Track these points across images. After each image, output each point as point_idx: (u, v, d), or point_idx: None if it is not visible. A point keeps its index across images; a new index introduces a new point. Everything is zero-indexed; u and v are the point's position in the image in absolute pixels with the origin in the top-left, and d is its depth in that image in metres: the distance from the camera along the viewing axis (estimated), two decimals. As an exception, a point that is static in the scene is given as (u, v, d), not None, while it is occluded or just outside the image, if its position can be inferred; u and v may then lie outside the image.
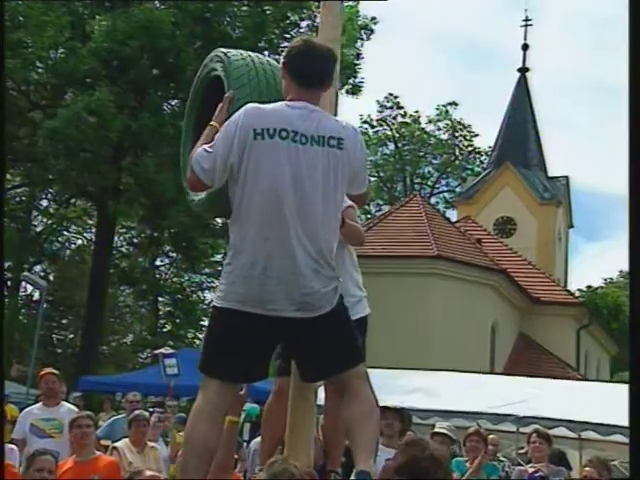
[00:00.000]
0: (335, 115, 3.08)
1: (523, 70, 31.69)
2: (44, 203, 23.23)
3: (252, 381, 2.92)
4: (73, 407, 6.60)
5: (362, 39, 19.18)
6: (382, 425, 5.07)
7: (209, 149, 2.73)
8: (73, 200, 22.96)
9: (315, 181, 2.69)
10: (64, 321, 27.29)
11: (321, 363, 2.78)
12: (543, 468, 6.09)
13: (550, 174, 30.33)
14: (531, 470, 6.14)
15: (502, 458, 7.79)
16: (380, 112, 38.63)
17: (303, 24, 19.39)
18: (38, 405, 6.49)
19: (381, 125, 39.02)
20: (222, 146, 2.71)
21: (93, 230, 23.06)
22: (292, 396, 2.96)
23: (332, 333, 2.74)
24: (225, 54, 3.04)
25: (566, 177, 30.21)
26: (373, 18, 19.56)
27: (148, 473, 3.00)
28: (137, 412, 6.61)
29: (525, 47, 31.81)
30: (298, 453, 2.85)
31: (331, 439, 3.42)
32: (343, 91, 18.61)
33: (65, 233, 26.03)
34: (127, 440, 6.21)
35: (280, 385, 3.28)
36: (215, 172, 2.72)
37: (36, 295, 21.25)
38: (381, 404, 3.22)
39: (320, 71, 2.81)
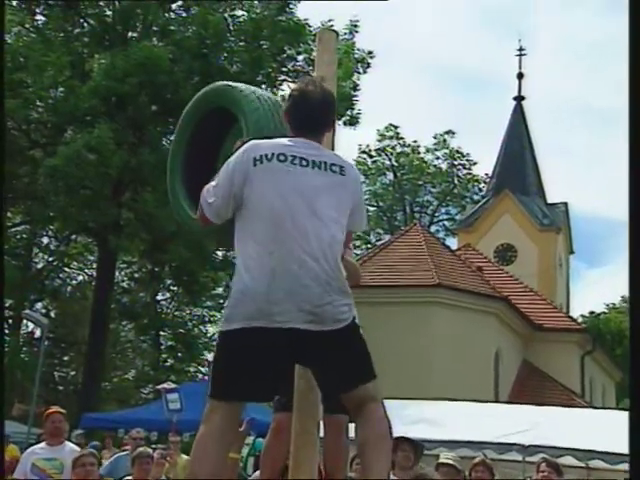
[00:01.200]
0: (332, 148, 3.12)
1: (519, 98, 32.02)
2: (45, 240, 23.31)
3: (263, 399, 2.88)
4: (76, 447, 6.55)
5: (359, 72, 19.39)
6: (399, 456, 5.04)
7: (214, 184, 2.81)
8: (74, 237, 23.05)
9: (317, 199, 2.71)
10: (66, 358, 27.18)
11: (334, 379, 2.74)
12: None
13: (549, 200, 30.44)
14: None
15: None
16: (380, 142, 38.96)
17: (300, 58, 19.64)
18: (41, 445, 6.44)
19: (379, 155, 39.30)
20: (224, 178, 2.76)
21: (94, 266, 23.10)
22: (295, 431, 2.92)
23: (345, 349, 2.71)
24: (241, 92, 3.11)
25: (565, 203, 30.30)
26: (370, 52, 19.81)
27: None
28: (140, 449, 6.56)
29: (520, 76, 32.19)
30: None
31: (331, 473, 3.40)
32: (341, 122, 18.78)
33: (66, 270, 26.05)
34: (130, 478, 6.18)
35: (278, 421, 3.24)
36: (219, 206, 2.77)
37: (37, 332, 21.17)
38: (395, 435, 3.22)
39: (316, 121, 2.86)
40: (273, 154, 2.73)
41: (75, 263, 25.73)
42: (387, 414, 2.82)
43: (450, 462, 7.11)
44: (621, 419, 10.99)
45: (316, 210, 2.70)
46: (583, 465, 9.85)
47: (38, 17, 19.45)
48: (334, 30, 3.59)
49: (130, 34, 18.87)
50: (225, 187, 2.75)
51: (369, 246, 35.59)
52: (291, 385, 2.91)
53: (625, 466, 9.02)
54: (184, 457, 7.65)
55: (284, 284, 2.61)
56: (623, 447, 8.74)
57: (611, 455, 9.06)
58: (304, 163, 2.74)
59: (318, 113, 2.86)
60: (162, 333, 26.06)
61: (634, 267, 2.01)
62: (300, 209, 2.69)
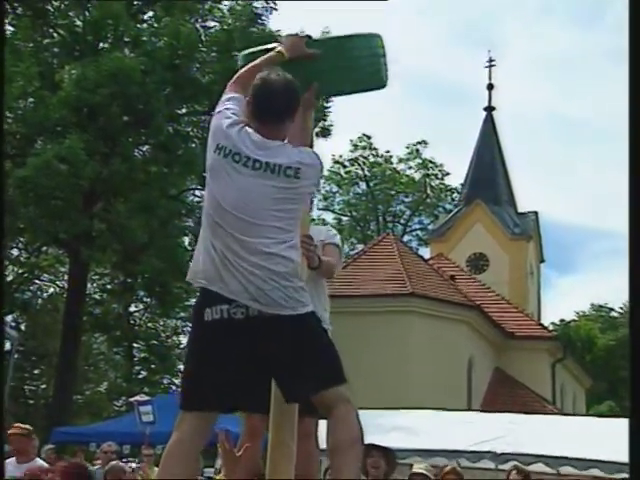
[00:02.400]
0: (311, 143, 3.13)
1: (489, 109, 32.39)
2: (15, 252, 23.00)
3: (229, 407, 2.85)
4: (44, 464, 6.48)
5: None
6: (368, 464, 5.01)
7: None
8: (45, 248, 22.77)
9: (265, 206, 2.74)
10: (36, 371, 26.78)
11: (301, 377, 2.72)
12: None
13: (520, 210, 30.80)
14: None
15: None
16: (352, 152, 39.13)
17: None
18: (11, 460, 6.37)
19: (352, 165, 39.47)
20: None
21: (65, 278, 22.84)
22: (271, 443, 2.92)
23: (304, 342, 2.71)
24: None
25: (535, 212, 30.68)
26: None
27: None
28: (113, 463, 6.55)
29: (490, 87, 32.55)
30: None
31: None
32: (313, 133, 18.84)
33: (37, 282, 25.73)
34: None
35: (252, 425, 3.21)
36: None
37: (7, 345, 20.86)
38: (366, 442, 3.22)
39: (274, 107, 2.85)
40: (231, 151, 2.79)
41: (46, 275, 25.42)
42: (358, 418, 2.82)
43: (423, 472, 7.15)
44: (591, 425, 11.20)
45: (261, 217, 2.73)
46: (554, 472, 9.95)
47: (6, 27, 19.26)
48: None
49: (101, 45, 18.76)
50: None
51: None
52: (256, 398, 2.89)
53: (594, 471, 9.16)
54: (157, 470, 7.60)
55: (230, 266, 2.71)
56: (593, 453, 8.96)
57: (581, 461, 9.17)
58: (257, 166, 2.76)
59: (280, 100, 2.85)
60: (135, 345, 25.83)
61: (634, 277, 2.03)
62: (244, 214, 2.73)
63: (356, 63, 3.14)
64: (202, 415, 2.72)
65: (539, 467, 9.29)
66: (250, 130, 2.86)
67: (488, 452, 9.49)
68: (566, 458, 9.28)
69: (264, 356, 2.71)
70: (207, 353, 2.72)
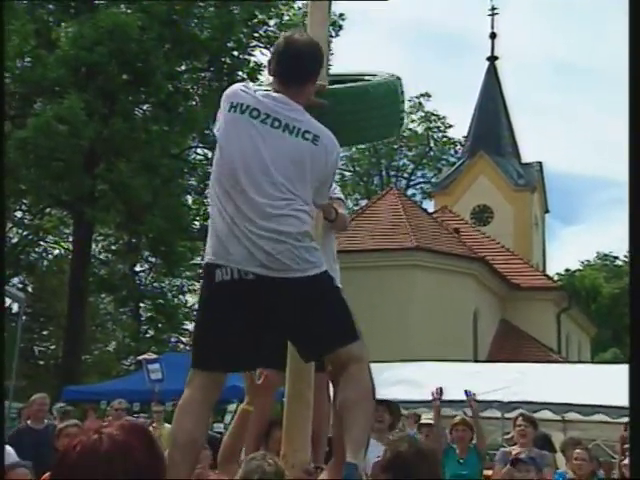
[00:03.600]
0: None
1: (492, 59, 31.92)
2: (18, 214, 23.00)
3: (239, 368, 2.87)
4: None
5: (331, 36, 19.20)
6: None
7: None
8: (48, 210, 22.75)
9: (277, 164, 2.67)
10: (45, 332, 27.02)
11: (312, 336, 2.71)
12: (528, 451, 6.15)
13: (523, 160, 30.61)
14: (515, 452, 6.20)
15: None
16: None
17: (271, 22, 19.38)
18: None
19: (354, 120, 39.07)
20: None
21: (70, 239, 22.87)
22: (288, 395, 2.94)
23: (314, 302, 2.67)
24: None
25: (539, 162, 30.47)
26: (341, 14, 19.62)
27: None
28: (124, 420, 6.61)
29: (493, 36, 32.05)
30: (296, 450, 2.87)
31: (315, 434, 3.41)
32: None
33: (42, 243, 25.77)
34: None
35: (266, 377, 3.17)
36: None
37: (15, 307, 21.00)
38: None
39: (295, 67, 2.80)
40: (248, 107, 2.72)
41: (50, 237, 25.45)
42: (371, 376, 2.81)
43: (431, 422, 7.28)
44: (595, 372, 11.32)
45: (272, 175, 2.65)
46: (559, 418, 10.19)
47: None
48: None
49: (97, 1, 18.45)
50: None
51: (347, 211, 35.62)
52: (268, 357, 2.88)
53: (599, 417, 9.31)
54: (167, 426, 7.71)
55: (238, 232, 2.65)
56: (597, 399, 9.08)
57: (585, 407, 9.38)
58: (276, 124, 2.71)
59: (299, 59, 2.80)
60: (142, 304, 25.99)
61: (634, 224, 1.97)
62: (256, 171, 2.65)
63: (376, 115, 3.02)
64: (213, 373, 2.75)
65: (545, 414, 9.51)
66: (270, 90, 2.81)
67: (495, 401, 9.64)
68: (571, 404, 9.54)
69: (275, 316, 2.68)
70: (218, 314, 2.70)
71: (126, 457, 1.46)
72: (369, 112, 3.00)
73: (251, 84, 2.94)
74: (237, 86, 2.85)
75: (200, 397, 2.72)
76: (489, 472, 6.72)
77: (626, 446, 2.89)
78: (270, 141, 2.69)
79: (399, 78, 3.14)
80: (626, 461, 2.87)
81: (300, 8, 18.99)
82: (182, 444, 2.67)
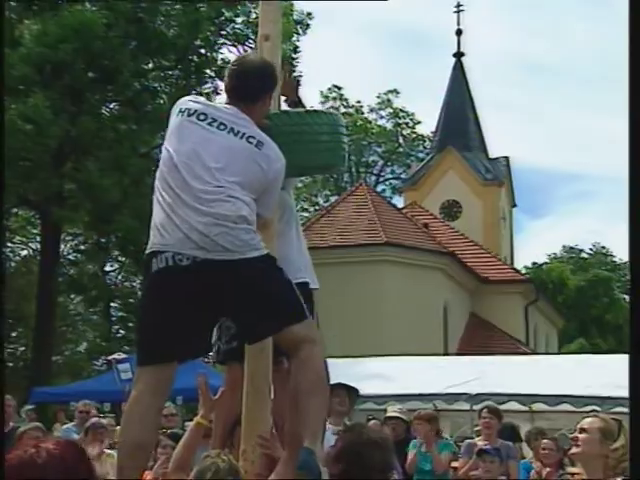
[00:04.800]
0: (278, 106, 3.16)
1: (458, 55, 32.22)
2: (-16, 215, 22.71)
3: (184, 357, 2.78)
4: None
5: (298, 34, 19.23)
6: (333, 402, 4.95)
7: None
8: (15, 210, 22.48)
9: (219, 156, 2.72)
10: (14, 334, 26.72)
11: (254, 316, 2.67)
12: (493, 443, 6.24)
13: (491, 155, 30.97)
14: (480, 444, 6.29)
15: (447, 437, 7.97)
16: (323, 103, 38.80)
17: (238, 20, 19.33)
18: None
19: (324, 116, 39.18)
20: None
21: (38, 239, 22.64)
22: (247, 391, 2.92)
23: (255, 284, 2.65)
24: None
25: (506, 157, 30.86)
26: (309, 13, 19.66)
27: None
28: (94, 420, 6.62)
29: (459, 32, 32.33)
30: (255, 446, 2.86)
31: (279, 424, 3.40)
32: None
33: (9, 244, 25.47)
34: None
35: (234, 375, 3.15)
36: None
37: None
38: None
39: (245, 86, 2.88)
40: (196, 111, 2.81)
41: (18, 237, 25.17)
42: (325, 359, 2.78)
43: (397, 415, 7.35)
44: (561, 363, 11.56)
45: (212, 165, 2.70)
46: (526, 409, 10.29)
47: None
48: None
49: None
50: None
51: (316, 208, 35.72)
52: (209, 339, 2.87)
53: (565, 406, 9.47)
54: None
55: (175, 219, 2.67)
56: (563, 389, 9.25)
57: (552, 397, 9.53)
58: (222, 127, 2.78)
59: (248, 78, 2.89)
60: (112, 304, 25.85)
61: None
62: (197, 162, 2.70)
63: (318, 138, 3.07)
64: (158, 369, 2.69)
65: (512, 405, 9.66)
66: (221, 102, 2.92)
67: (463, 394, 9.80)
68: (538, 395, 9.70)
69: (215, 301, 2.66)
70: (156, 303, 2.70)
71: (60, 469, 1.61)
72: (313, 135, 3.06)
73: (201, 98, 3.03)
74: (187, 97, 2.96)
75: (146, 399, 2.69)
76: (457, 463, 6.82)
77: (577, 435, 3.04)
78: (214, 138, 2.76)
79: (339, 114, 3.31)
80: (573, 450, 3.05)
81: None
82: (129, 449, 2.67)
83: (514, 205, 32.36)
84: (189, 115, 2.81)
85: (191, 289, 2.64)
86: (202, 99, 3.00)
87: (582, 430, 3.05)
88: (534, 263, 39.29)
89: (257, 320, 2.69)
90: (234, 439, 3.22)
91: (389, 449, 2.77)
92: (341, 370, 3.38)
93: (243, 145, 2.78)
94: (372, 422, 6.51)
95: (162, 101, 19.03)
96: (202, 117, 2.80)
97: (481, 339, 21.17)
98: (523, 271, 30.40)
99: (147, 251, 2.76)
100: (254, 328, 2.75)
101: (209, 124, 2.78)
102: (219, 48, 19.34)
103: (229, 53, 19.10)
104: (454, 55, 32.23)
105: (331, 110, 3.33)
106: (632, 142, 1.92)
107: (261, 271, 2.67)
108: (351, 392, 5.37)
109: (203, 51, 19.09)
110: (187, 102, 2.90)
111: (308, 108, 3.33)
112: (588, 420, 3.10)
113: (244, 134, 2.79)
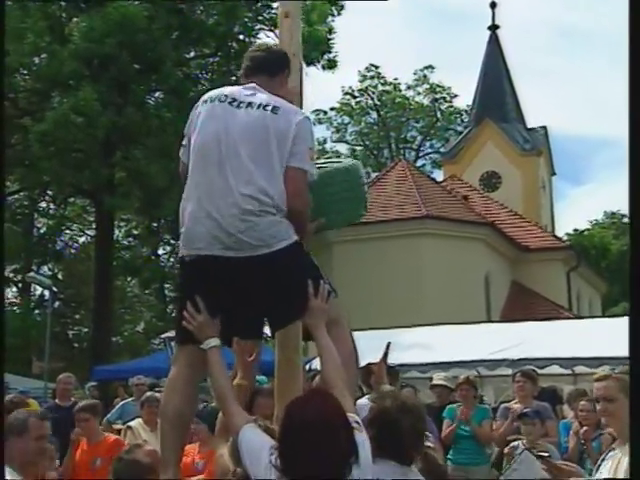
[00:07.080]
0: (301, 92, 3.26)
1: (493, 27, 32.09)
2: (43, 205, 23.66)
3: (223, 340, 2.84)
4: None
5: (333, 15, 19.52)
6: (372, 380, 5.48)
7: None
8: (71, 199, 23.39)
9: (244, 135, 2.82)
10: (77, 316, 27.83)
11: (284, 306, 2.78)
12: (527, 405, 6.39)
13: (529, 125, 30.86)
14: (516, 407, 6.49)
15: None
16: (361, 82, 39.04)
17: (275, 5, 19.69)
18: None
19: (362, 95, 39.44)
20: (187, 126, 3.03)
21: (94, 226, 23.55)
22: (278, 362, 3.02)
23: (281, 275, 2.75)
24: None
25: (544, 127, 30.75)
26: (342, -6, 19.85)
27: (147, 448, 3.34)
28: (149, 394, 6.97)
29: (493, 5, 32.22)
30: None
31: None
32: (320, 66, 19.02)
33: (67, 232, 26.46)
34: (140, 420, 6.65)
35: (241, 347, 3.25)
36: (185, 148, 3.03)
37: (47, 294, 21.80)
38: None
39: (253, 60, 3.09)
40: (217, 96, 2.96)
41: (75, 225, 26.14)
42: (352, 336, 2.93)
43: (442, 382, 7.74)
44: (603, 326, 11.56)
45: (242, 148, 2.81)
46: (569, 372, 10.34)
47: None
48: None
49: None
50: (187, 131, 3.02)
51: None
52: (244, 327, 2.94)
53: (606, 368, 9.70)
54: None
55: (203, 213, 2.79)
56: (604, 351, 9.40)
57: (593, 360, 9.32)
58: (241, 105, 2.89)
59: (256, 54, 3.11)
60: (166, 285, 26.71)
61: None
62: (225, 146, 2.82)
63: (338, 198, 3.13)
64: (195, 348, 2.81)
65: (554, 369, 9.81)
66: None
67: (504, 360, 9.93)
68: (579, 358, 9.73)
69: (244, 288, 2.76)
70: (191, 290, 2.83)
71: None
72: (341, 193, 3.13)
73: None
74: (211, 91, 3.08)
75: (185, 375, 2.86)
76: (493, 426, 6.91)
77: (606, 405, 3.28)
78: (233, 117, 2.87)
79: (357, 164, 3.32)
80: (603, 420, 3.30)
81: (302, -12, 19.19)
82: (170, 417, 2.86)
83: (553, 173, 32.24)
84: (211, 101, 2.95)
85: (223, 277, 2.77)
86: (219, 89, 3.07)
87: (605, 400, 3.14)
88: (575, 230, 39.10)
89: (287, 310, 2.82)
90: (253, 408, 3.48)
91: (421, 415, 2.89)
92: (385, 340, 3.75)
93: (263, 117, 2.85)
94: (405, 389, 6.54)
95: (203, 87, 19.58)
96: (222, 98, 2.93)
97: (524, 307, 21.33)
98: (565, 238, 30.38)
99: (180, 253, 2.91)
100: (283, 317, 2.87)
101: (229, 103, 2.91)
102: (257, 34, 19.75)
103: (267, 38, 19.52)
104: (489, 28, 32.11)
105: (347, 164, 3.29)
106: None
107: (289, 261, 2.76)
108: (391, 371, 5.76)
109: (242, 37, 19.55)
110: (207, 94, 3.02)
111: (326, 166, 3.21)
112: (604, 385, 3.17)
113: (260, 104, 2.88)
